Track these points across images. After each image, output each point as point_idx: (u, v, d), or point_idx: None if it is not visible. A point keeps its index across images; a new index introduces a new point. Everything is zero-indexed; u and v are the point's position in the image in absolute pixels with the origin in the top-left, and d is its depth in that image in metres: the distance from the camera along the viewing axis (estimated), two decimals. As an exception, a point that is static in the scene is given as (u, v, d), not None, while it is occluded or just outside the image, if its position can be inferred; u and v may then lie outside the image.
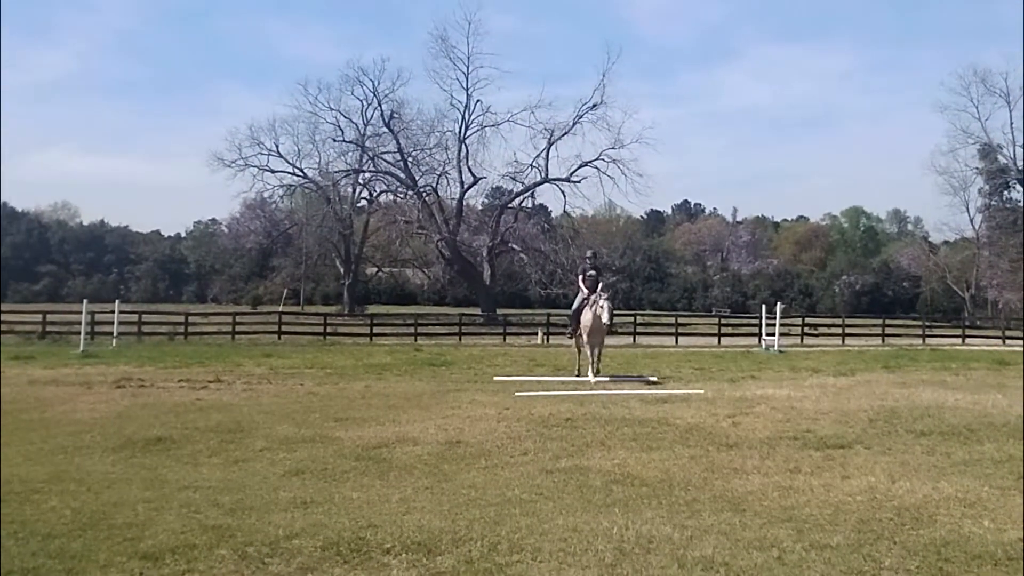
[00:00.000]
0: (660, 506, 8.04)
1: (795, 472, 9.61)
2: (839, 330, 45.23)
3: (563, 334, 44.90)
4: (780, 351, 31.38)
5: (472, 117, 62.26)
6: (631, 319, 45.28)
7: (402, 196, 66.06)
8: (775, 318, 33.85)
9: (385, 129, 63.27)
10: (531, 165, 62.68)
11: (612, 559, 6.30)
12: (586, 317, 20.58)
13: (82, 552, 6.41)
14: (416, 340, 39.48)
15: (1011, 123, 69.23)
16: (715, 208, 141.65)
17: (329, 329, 42.16)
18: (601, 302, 20.20)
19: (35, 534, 6.86)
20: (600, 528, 7.11)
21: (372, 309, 64.04)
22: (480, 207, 70.49)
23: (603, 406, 14.74)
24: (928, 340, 43.58)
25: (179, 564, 6.14)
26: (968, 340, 44.66)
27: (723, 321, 49.06)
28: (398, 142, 62.41)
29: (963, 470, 9.76)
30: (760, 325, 37.36)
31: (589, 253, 24.00)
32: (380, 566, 6.18)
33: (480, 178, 63.56)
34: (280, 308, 60.75)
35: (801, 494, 8.54)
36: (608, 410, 14.27)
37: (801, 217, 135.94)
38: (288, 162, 65.22)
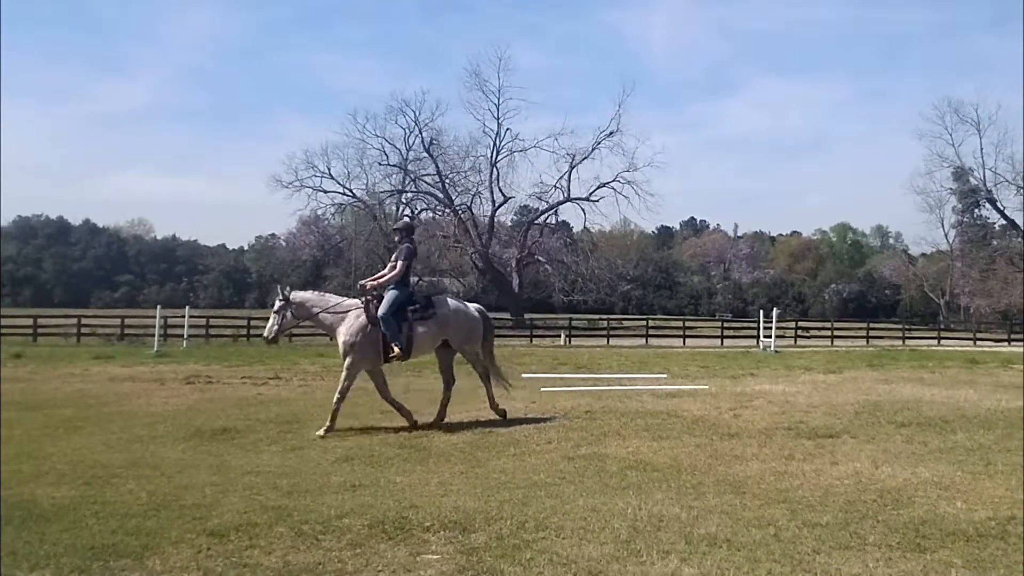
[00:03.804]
0: (669, 489, 8.01)
1: (789, 459, 9.57)
2: (828, 332, 45.07)
3: (584, 335, 45.16)
4: (776, 351, 31.18)
5: (502, 143, 62.85)
6: (644, 323, 45.12)
7: (440, 214, 66.17)
8: (771, 322, 33.62)
9: (425, 154, 63.40)
10: (555, 186, 63.36)
11: (627, 536, 6.30)
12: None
13: (156, 530, 6.46)
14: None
15: (981, 149, 69.39)
16: (718, 224, 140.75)
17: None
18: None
19: (114, 514, 6.91)
20: (616, 508, 7.12)
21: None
22: (509, 223, 70.82)
23: (619, 400, 14.70)
24: (907, 341, 43.29)
25: (242, 540, 6.17)
26: (943, 341, 44.43)
27: (725, 324, 48.82)
28: (437, 166, 62.82)
29: (938, 457, 9.70)
30: (758, 328, 37.14)
31: (400, 223, 14.16)
32: (421, 542, 6.18)
33: (509, 197, 64.22)
34: None
35: (795, 478, 8.51)
36: (623, 404, 14.22)
37: (795, 232, 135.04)
38: (339, 183, 65.29)
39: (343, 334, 12.20)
